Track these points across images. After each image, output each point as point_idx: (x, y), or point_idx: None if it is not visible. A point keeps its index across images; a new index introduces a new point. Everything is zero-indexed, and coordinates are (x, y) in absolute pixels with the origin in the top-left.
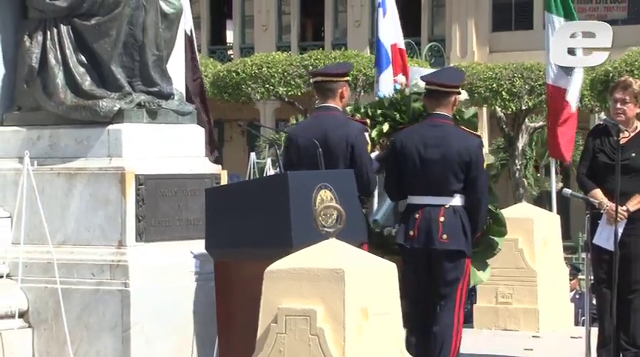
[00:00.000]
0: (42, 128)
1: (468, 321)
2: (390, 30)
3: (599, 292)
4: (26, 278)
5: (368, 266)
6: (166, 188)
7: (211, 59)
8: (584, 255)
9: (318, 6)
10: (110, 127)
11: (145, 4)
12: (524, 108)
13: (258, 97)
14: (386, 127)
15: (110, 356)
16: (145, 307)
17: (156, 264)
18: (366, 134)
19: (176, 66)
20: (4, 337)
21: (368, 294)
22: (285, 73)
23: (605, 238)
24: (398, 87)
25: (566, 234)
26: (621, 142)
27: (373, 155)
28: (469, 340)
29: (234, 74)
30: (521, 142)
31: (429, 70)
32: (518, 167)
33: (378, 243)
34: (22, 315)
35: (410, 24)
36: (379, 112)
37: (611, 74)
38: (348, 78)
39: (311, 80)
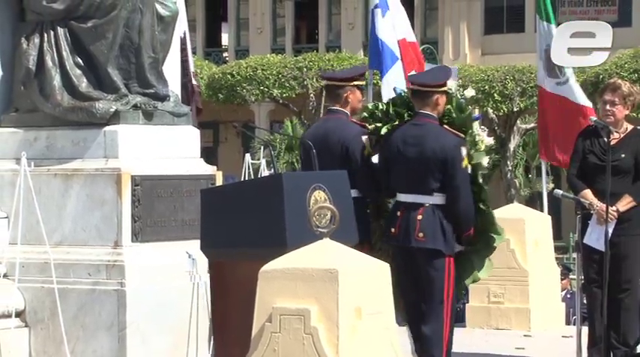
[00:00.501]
0: (39, 129)
1: (461, 320)
2: (397, 26)
3: (589, 292)
4: (23, 278)
5: (361, 266)
6: (162, 189)
7: (206, 61)
8: (575, 255)
9: (312, 9)
10: (106, 128)
11: (141, 6)
12: (515, 110)
13: (253, 99)
14: (395, 124)
15: (106, 355)
16: (140, 306)
17: (152, 264)
18: (364, 137)
19: (172, 68)
20: (1, 336)
21: (361, 294)
22: (280, 75)
23: (596, 238)
24: (399, 91)
25: (558, 234)
26: (611, 144)
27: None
28: (461, 339)
29: (229, 76)
30: (513, 144)
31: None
32: (510, 168)
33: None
34: (19, 314)
35: None
36: (392, 109)
37: (601, 76)
38: (357, 82)
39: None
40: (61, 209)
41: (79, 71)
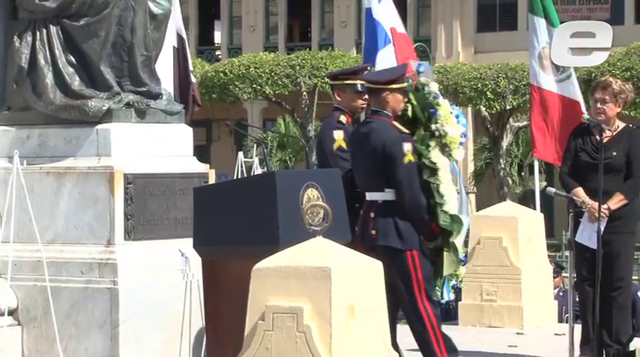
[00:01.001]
0: (31, 128)
1: (453, 318)
2: (388, 14)
3: (581, 290)
4: (16, 276)
5: (354, 264)
6: (155, 187)
7: (199, 59)
8: (567, 253)
9: (305, 7)
10: (99, 126)
11: (133, 5)
12: (508, 108)
13: (246, 97)
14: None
15: (99, 353)
16: (133, 304)
17: (144, 262)
18: (335, 132)
19: (164, 66)
20: None
21: (354, 292)
22: (273, 74)
23: (587, 236)
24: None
25: (550, 232)
26: (603, 141)
27: None
28: (454, 337)
29: (221, 74)
30: (506, 142)
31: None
32: (503, 166)
33: None
34: (12, 313)
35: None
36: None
37: (593, 74)
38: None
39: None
40: (53, 207)
41: (71, 69)
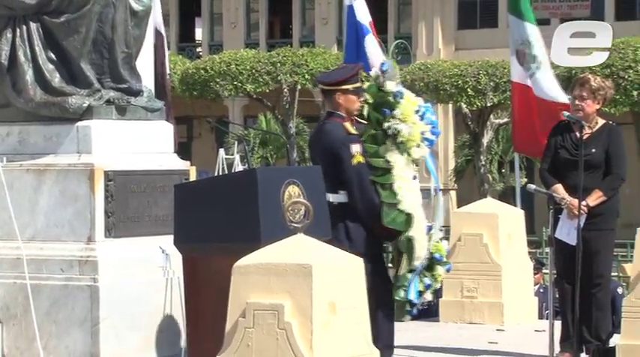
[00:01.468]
0: (11, 124)
1: (434, 315)
2: (364, 11)
3: (561, 287)
4: None
5: (335, 261)
6: (135, 184)
7: (180, 56)
8: (548, 249)
9: (286, 4)
10: (79, 123)
11: (114, 1)
12: (489, 104)
13: (227, 94)
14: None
15: (79, 351)
16: (113, 302)
17: (125, 259)
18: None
19: (145, 63)
20: None
21: (335, 289)
22: (254, 70)
23: (566, 232)
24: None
25: (531, 229)
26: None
27: None
28: (435, 333)
29: (202, 71)
30: (486, 139)
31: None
32: (483, 163)
33: None
34: None
35: (376, 21)
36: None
37: (573, 71)
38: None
39: None
40: (33, 205)
41: (51, 66)
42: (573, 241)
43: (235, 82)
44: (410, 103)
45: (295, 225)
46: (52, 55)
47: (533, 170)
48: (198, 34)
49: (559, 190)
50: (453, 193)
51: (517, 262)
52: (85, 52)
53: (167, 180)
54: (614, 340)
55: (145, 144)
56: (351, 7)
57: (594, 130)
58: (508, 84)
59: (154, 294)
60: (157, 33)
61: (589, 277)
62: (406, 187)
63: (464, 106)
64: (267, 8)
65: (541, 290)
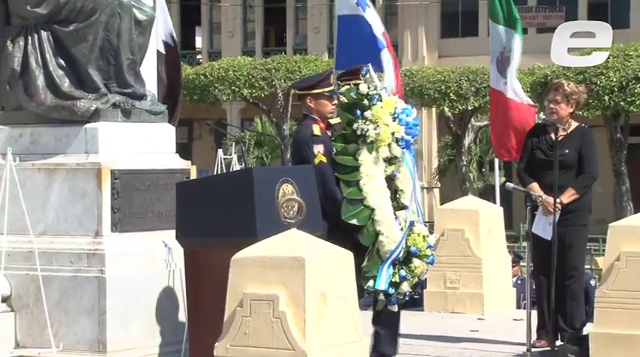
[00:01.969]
0: (24, 127)
1: (419, 305)
2: (376, 20)
3: (537, 279)
4: (9, 266)
5: (327, 255)
6: (140, 182)
7: (181, 63)
8: (525, 244)
9: (281, 14)
10: (87, 125)
11: (119, 11)
12: (470, 108)
13: (225, 98)
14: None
15: (87, 338)
16: (119, 292)
17: (130, 252)
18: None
19: (148, 69)
20: None
21: (327, 280)
22: (250, 76)
23: (541, 228)
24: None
25: (509, 224)
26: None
27: None
28: (419, 322)
29: (202, 77)
30: (468, 140)
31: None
32: (465, 163)
33: None
34: (5, 300)
35: None
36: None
37: (549, 77)
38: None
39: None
40: (44, 201)
41: (61, 72)
42: (549, 236)
43: (233, 87)
44: (387, 105)
45: (289, 221)
46: (62, 62)
47: (512, 170)
48: (199, 42)
49: (535, 188)
50: (436, 191)
51: (496, 255)
52: (92, 58)
53: (169, 178)
54: (588, 329)
55: (149, 145)
56: (341, 18)
57: (568, 132)
58: (488, 89)
59: (157, 285)
60: (172, 39)
61: (564, 270)
62: (371, 184)
63: (447, 109)
64: (262, 18)
65: (519, 282)
